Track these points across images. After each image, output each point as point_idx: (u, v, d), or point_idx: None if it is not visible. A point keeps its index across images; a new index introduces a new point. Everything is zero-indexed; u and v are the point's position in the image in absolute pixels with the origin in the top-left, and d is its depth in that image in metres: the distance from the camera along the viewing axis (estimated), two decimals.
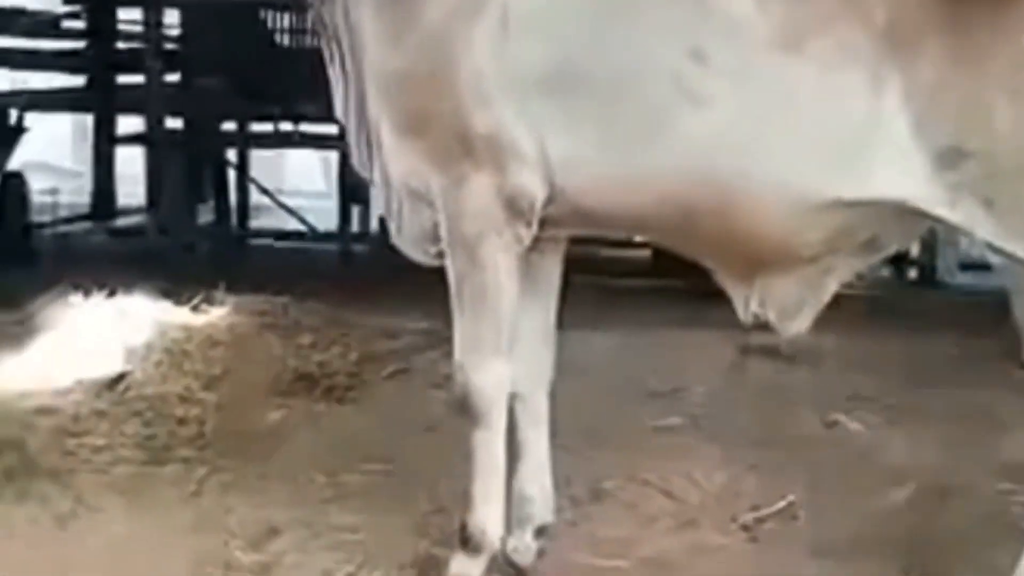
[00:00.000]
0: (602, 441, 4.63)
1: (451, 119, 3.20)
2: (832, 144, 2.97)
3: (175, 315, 5.98)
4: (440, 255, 3.40)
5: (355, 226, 9.99)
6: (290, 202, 10.55)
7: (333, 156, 10.61)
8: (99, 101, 10.27)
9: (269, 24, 9.39)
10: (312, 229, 10.15)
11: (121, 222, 10.60)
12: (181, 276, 7.09)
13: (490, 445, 3.38)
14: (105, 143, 10.35)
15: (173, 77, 9.47)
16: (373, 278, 7.88)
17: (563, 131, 3.14)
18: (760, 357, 5.65)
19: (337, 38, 3.43)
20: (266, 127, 9.22)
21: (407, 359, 5.58)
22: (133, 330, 5.61)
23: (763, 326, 3.30)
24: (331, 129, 10.12)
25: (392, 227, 3.53)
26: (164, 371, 5.24)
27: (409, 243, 3.50)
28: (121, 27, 10.41)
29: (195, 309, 6.22)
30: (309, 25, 9.62)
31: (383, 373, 5.41)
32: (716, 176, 3.05)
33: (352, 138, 3.51)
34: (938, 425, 4.91)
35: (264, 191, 9.80)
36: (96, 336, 5.55)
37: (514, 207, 3.22)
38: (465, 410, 3.36)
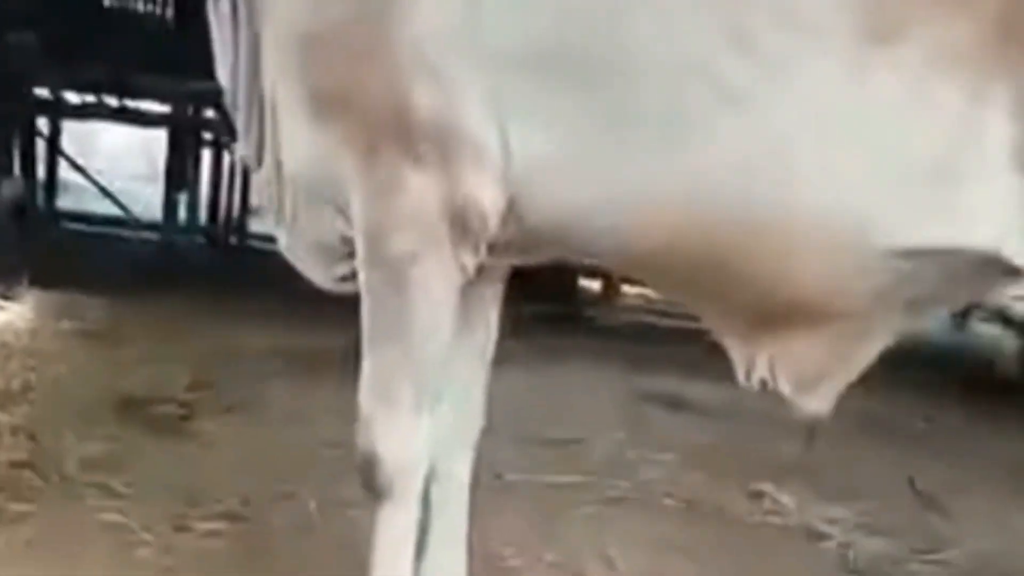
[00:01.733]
0: (501, 503, 3.81)
1: (383, 96, 2.34)
2: (908, 171, 2.21)
3: None
4: (348, 277, 2.55)
5: (180, 215, 8.93)
6: (104, 183, 9.43)
7: (156, 135, 9.52)
8: None
9: None
10: (132, 216, 9.05)
11: None
12: None
13: (397, 524, 2.55)
14: None
15: None
16: (205, 280, 6.89)
17: (538, 124, 2.30)
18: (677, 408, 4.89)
19: None
20: (86, 97, 8.13)
21: (252, 386, 4.66)
22: None
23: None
24: (161, 107, 9.14)
25: (281, 235, 2.64)
26: None
27: (304, 258, 2.61)
28: None
29: None
30: None
31: (225, 402, 4.48)
32: (745, 201, 2.26)
33: (239, 116, 2.62)
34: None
35: (77, 168, 8.67)
36: None
37: (461, 222, 2.37)
38: (367, 478, 2.51)
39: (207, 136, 8.78)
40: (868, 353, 2.46)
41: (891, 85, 2.18)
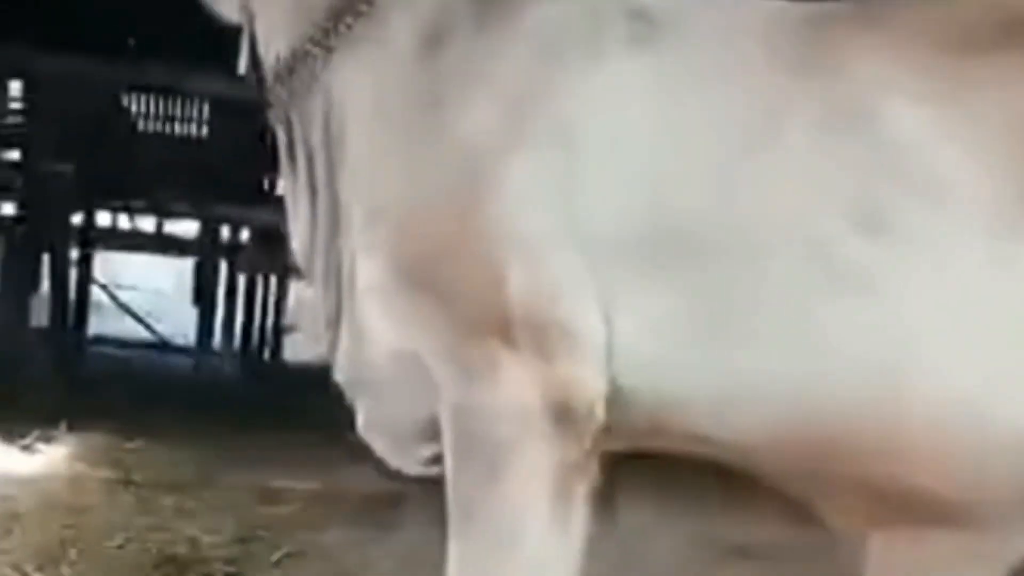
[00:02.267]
0: None
1: (476, 274, 2.14)
2: None
3: None
4: (436, 461, 2.34)
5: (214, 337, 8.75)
6: (125, 297, 9.28)
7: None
8: None
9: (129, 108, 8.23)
10: (163, 339, 8.88)
11: None
12: (7, 398, 5.82)
13: None
14: None
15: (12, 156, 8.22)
16: (243, 411, 6.67)
17: (645, 308, 2.11)
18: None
19: (307, 143, 2.36)
20: (119, 220, 8.02)
21: (299, 536, 4.43)
22: None
23: None
24: (191, 228, 9.02)
25: (360, 413, 2.44)
26: None
27: (385, 439, 2.40)
28: None
29: (27, 449, 5.00)
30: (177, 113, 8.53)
31: (272, 556, 4.25)
32: (865, 395, 2.05)
33: (315, 287, 2.43)
34: None
35: (111, 296, 8.53)
36: None
37: (564, 412, 2.15)
38: None
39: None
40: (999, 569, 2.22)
41: None
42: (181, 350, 8.77)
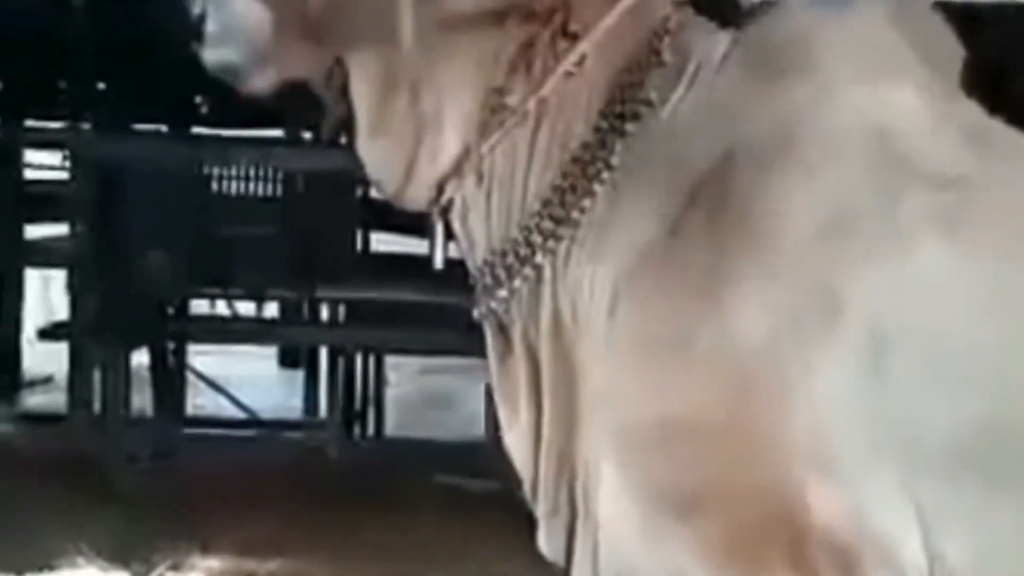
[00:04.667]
0: None
1: (765, 498, 1.88)
2: None
3: None
4: None
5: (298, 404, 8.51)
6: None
7: None
8: None
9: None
10: (255, 416, 8.61)
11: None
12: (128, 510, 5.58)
13: None
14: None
15: None
16: (361, 503, 6.38)
17: (974, 528, 1.83)
18: None
19: (528, 346, 2.08)
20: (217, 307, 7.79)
21: None
22: None
23: None
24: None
25: None
26: None
27: None
28: None
29: None
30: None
31: None
32: None
33: (539, 505, 2.14)
34: None
35: (213, 385, 8.30)
36: None
37: None
38: None
39: None
40: None
41: None
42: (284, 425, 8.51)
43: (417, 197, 2.15)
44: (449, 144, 2.07)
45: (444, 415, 8.84)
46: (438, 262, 2.16)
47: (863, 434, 1.84)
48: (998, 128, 2.04)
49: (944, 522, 1.84)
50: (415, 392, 9.43)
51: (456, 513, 5.39)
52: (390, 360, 9.05)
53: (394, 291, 7.08)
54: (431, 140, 2.07)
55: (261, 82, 2.12)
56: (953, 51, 2.12)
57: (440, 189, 2.11)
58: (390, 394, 8.71)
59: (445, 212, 2.13)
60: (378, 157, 2.10)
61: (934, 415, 1.83)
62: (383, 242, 8.27)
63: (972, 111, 2.05)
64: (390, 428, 8.57)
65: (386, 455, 7.96)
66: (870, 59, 2.02)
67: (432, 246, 2.16)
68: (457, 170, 2.06)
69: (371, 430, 8.44)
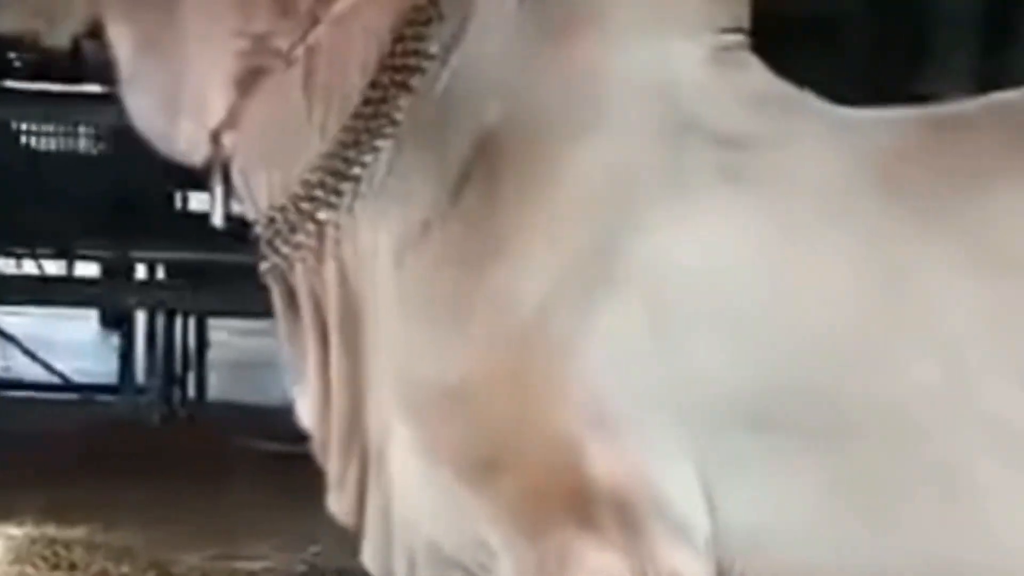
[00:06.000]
0: None
1: (549, 459, 1.85)
2: None
3: None
4: None
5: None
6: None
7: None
8: None
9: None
10: (68, 380, 8.34)
11: None
12: None
13: None
14: None
15: None
16: (175, 468, 6.23)
17: (757, 486, 1.83)
18: None
19: (315, 304, 2.01)
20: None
21: None
22: None
23: None
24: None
25: None
26: None
27: None
28: None
29: None
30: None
31: None
32: None
33: (331, 464, 2.08)
34: None
35: (21, 347, 8.00)
36: None
37: None
38: None
39: None
40: None
41: None
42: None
43: (189, 151, 2.05)
44: (212, 95, 1.97)
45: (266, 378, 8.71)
46: (218, 219, 2.07)
47: (642, 392, 1.82)
48: (784, 87, 2.04)
49: (726, 478, 1.83)
50: (239, 355, 9.27)
51: (272, 478, 5.29)
52: (213, 323, 8.87)
53: (211, 252, 6.92)
54: (192, 91, 1.97)
55: (56, 39, 2.01)
56: (745, 10, 2.10)
57: (216, 142, 2.02)
58: (211, 356, 8.55)
59: (225, 167, 2.04)
60: (137, 110, 2.00)
61: (716, 372, 1.81)
62: (204, 202, 8.10)
63: (760, 68, 2.04)
64: (212, 392, 8.42)
65: (206, 420, 7.81)
66: (661, 11, 1.99)
67: (212, 202, 2.07)
68: (231, 122, 1.97)
69: (192, 394, 8.28)
